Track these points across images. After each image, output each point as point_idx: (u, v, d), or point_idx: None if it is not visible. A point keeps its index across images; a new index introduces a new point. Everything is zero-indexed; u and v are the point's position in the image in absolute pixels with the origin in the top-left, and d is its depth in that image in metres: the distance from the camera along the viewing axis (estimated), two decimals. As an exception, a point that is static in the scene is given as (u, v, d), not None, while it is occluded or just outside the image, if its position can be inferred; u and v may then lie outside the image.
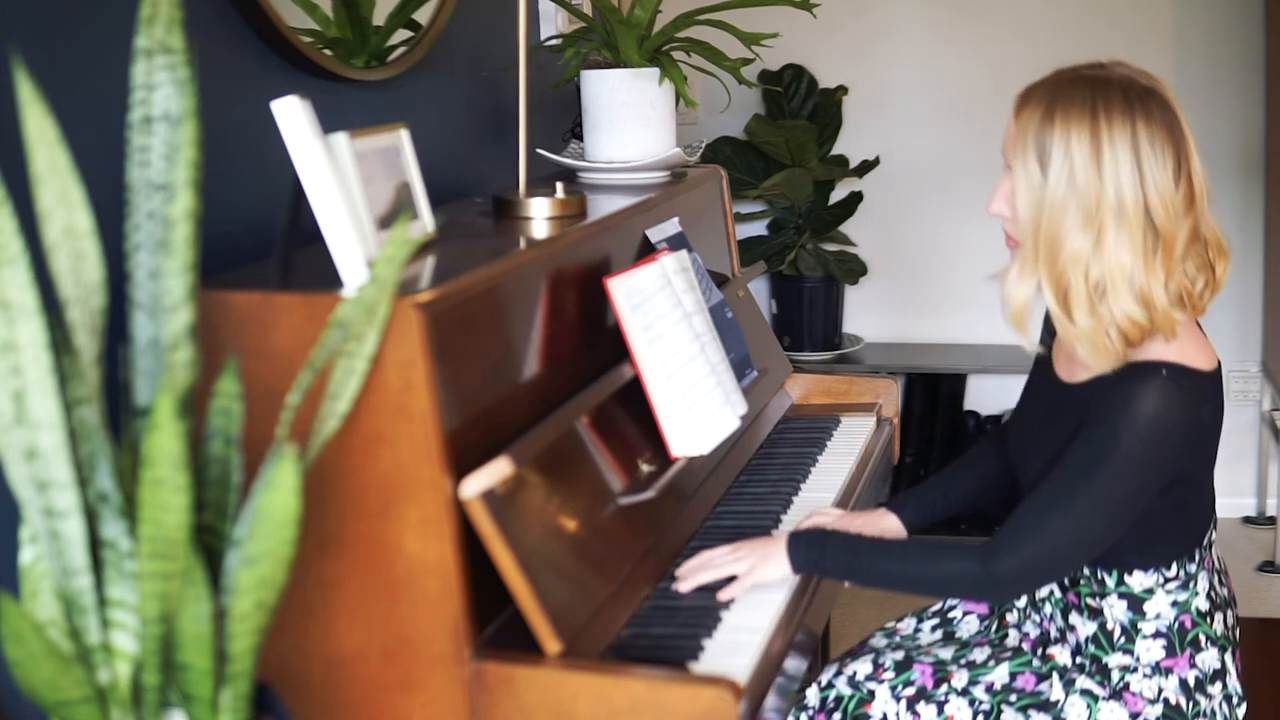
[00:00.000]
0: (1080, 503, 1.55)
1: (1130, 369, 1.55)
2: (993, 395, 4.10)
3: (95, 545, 1.20)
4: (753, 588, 1.70)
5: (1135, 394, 1.52)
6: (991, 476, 1.94)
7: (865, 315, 4.15)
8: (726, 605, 1.68)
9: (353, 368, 1.31)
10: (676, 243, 2.18)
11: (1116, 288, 1.52)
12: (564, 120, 3.08)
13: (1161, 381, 1.52)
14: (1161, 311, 1.53)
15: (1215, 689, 1.67)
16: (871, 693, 1.73)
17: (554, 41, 2.72)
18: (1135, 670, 1.66)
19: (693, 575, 1.71)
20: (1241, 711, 1.71)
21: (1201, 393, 1.56)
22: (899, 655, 1.77)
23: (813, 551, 1.69)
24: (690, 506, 1.93)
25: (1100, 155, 1.50)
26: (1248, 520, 3.98)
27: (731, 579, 1.71)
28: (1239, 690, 1.70)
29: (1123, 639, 1.66)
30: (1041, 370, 1.77)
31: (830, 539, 1.69)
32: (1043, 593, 1.74)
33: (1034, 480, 1.67)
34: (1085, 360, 1.60)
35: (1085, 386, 1.63)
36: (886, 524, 1.92)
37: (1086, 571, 1.67)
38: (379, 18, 2.23)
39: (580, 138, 2.67)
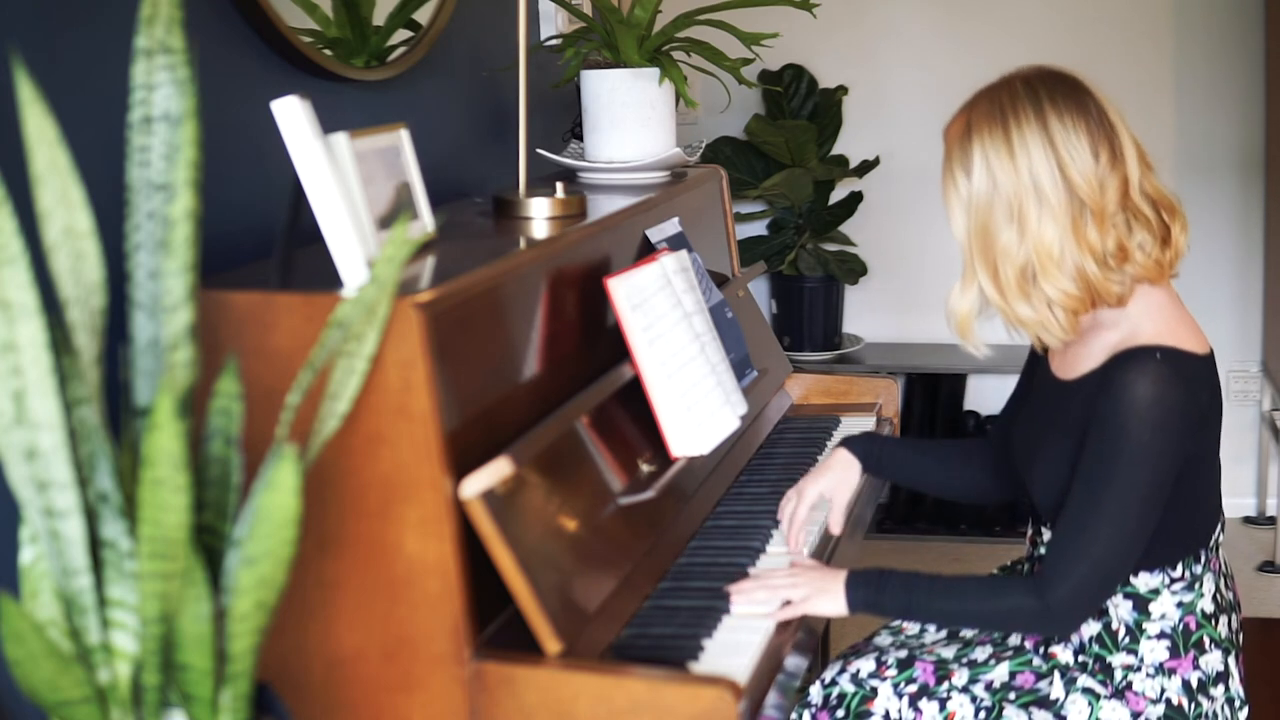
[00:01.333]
0: (1108, 507, 1.55)
1: (1124, 356, 1.57)
2: (993, 395, 4.10)
3: (95, 545, 1.20)
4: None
5: (1131, 380, 1.53)
6: (958, 481, 1.96)
7: (865, 315, 4.15)
8: (726, 606, 1.68)
9: (353, 368, 1.31)
10: (676, 243, 2.18)
11: (1045, 268, 1.57)
12: (564, 120, 3.08)
13: (1156, 365, 1.54)
14: (1095, 278, 1.57)
15: (1218, 691, 1.67)
16: (874, 690, 1.73)
17: (554, 41, 2.72)
18: (1138, 670, 1.66)
19: (749, 593, 1.70)
20: (1243, 715, 1.70)
21: (1197, 376, 1.57)
22: (902, 653, 1.77)
23: (870, 592, 1.69)
24: (690, 506, 1.93)
25: (1013, 148, 1.57)
26: (1248, 520, 3.98)
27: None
28: (1241, 694, 1.70)
29: (1127, 639, 1.67)
30: (1037, 372, 1.78)
31: (888, 579, 1.69)
32: None
33: (1040, 483, 1.68)
34: (1048, 342, 1.64)
35: (1082, 381, 1.64)
36: (837, 456, 1.96)
37: None
38: (379, 18, 2.23)
39: (580, 138, 2.67)
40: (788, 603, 1.68)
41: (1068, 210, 1.56)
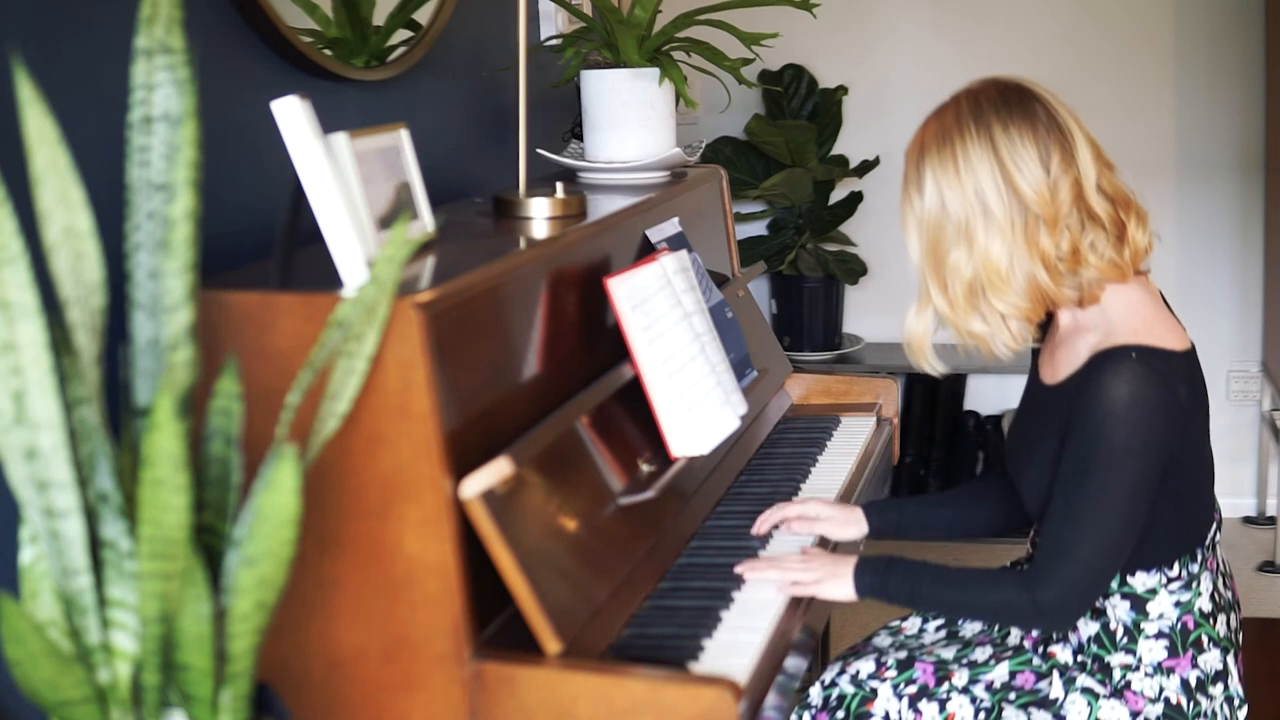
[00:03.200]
0: (1090, 509, 1.56)
1: (1100, 357, 1.58)
2: (993, 395, 4.10)
3: (95, 545, 1.20)
4: (755, 586, 1.72)
5: (1108, 382, 1.54)
6: (975, 519, 1.96)
7: (865, 315, 4.15)
8: (727, 605, 1.68)
9: (353, 368, 1.31)
10: (676, 243, 2.18)
11: (993, 283, 1.60)
12: (564, 120, 3.08)
13: (1131, 364, 1.54)
14: (1048, 286, 1.59)
15: (1216, 690, 1.67)
16: (874, 691, 1.74)
17: (554, 41, 2.72)
18: (1137, 669, 1.66)
19: (761, 571, 1.74)
20: (1243, 714, 1.71)
21: (1175, 372, 1.57)
22: (902, 654, 1.78)
23: (877, 578, 1.71)
24: (690, 506, 1.93)
25: (959, 167, 1.59)
26: (1248, 520, 3.98)
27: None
28: (1240, 693, 1.70)
29: (1125, 639, 1.67)
30: (1031, 378, 1.79)
31: (894, 566, 1.71)
32: None
33: (1031, 488, 1.69)
34: (999, 353, 1.66)
35: (1063, 385, 1.65)
36: (852, 516, 1.94)
37: None
38: (379, 18, 2.23)
39: (580, 138, 2.67)
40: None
41: (1018, 221, 1.58)
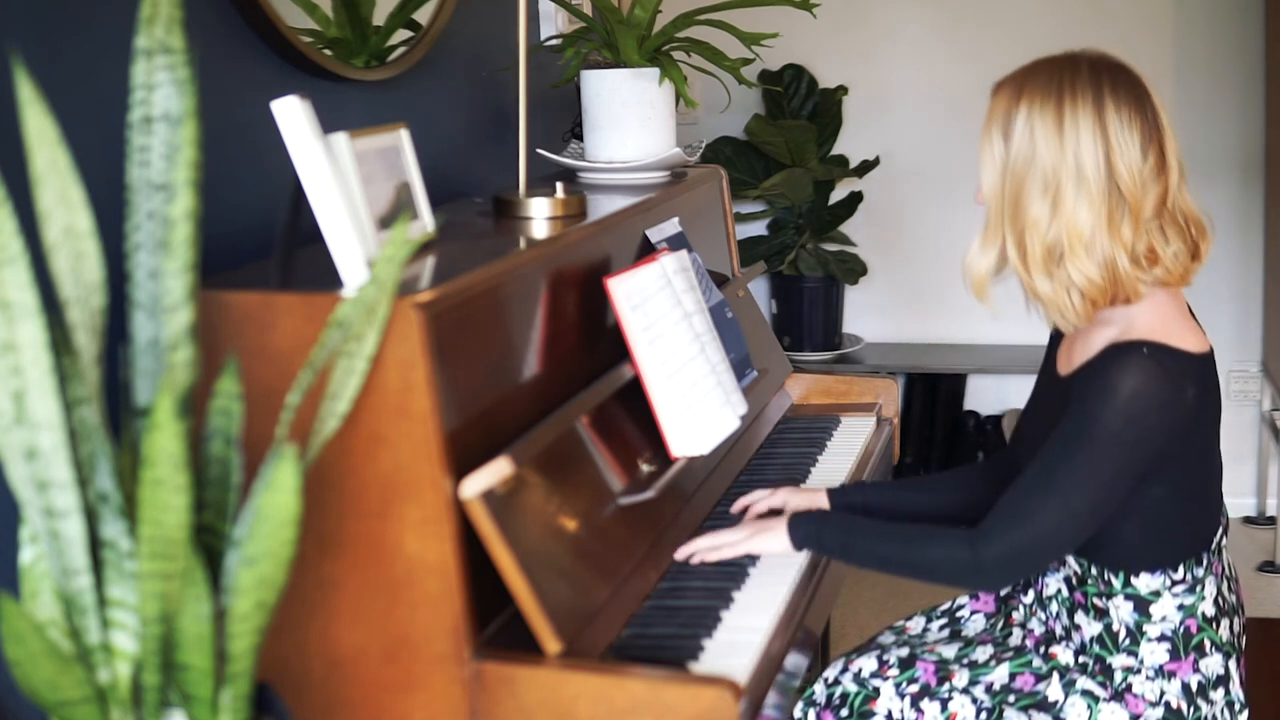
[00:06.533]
0: (1062, 482, 1.56)
1: (1112, 349, 1.58)
2: (992, 395, 4.10)
3: (95, 545, 1.20)
4: (755, 586, 1.72)
5: (1113, 372, 1.54)
6: (954, 504, 1.95)
7: (865, 315, 4.15)
8: (727, 605, 1.68)
9: (353, 368, 1.31)
10: (676, 243, 2.18)
11: (1074, 250, 1.58)
12: (564, 120, 3.08)
13: (1141, 359, 1.54)
14: (1124, 273, 1.58)
15: (1217, 694, 1.67)
16: (877, 690, 1.74)
17: (554, 41, 2.72)
18: (1138, 672, 1.65)
19: (690, 546, 1.79)
20: (1243, 718, 1.70)
21: (1185, 374, 1.57)
22: (904, 652, 1.78)
23: (811, 528, 1.74)
24: (690, 506, 1.93)
25: (1063, 124, 1.57)
26: (1248, 520, 3.98)
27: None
28: (1241, 697, 1.70)
29: (1128, 640, 1.66)
30: (1045, 370, 1.79)
31: (830, 519, 1.75)
32: (1050, 590, 1.74)
33: None
34: (1060, 325, 1.65)
35: (1074, 376, 1.65)
36: (816, 500, 1.96)
37: (1094, 571, 1.67)
38: (379, 18, 2.23)
39: (580, 138, 2.67)
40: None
41: (1105, 199, 1.57)
